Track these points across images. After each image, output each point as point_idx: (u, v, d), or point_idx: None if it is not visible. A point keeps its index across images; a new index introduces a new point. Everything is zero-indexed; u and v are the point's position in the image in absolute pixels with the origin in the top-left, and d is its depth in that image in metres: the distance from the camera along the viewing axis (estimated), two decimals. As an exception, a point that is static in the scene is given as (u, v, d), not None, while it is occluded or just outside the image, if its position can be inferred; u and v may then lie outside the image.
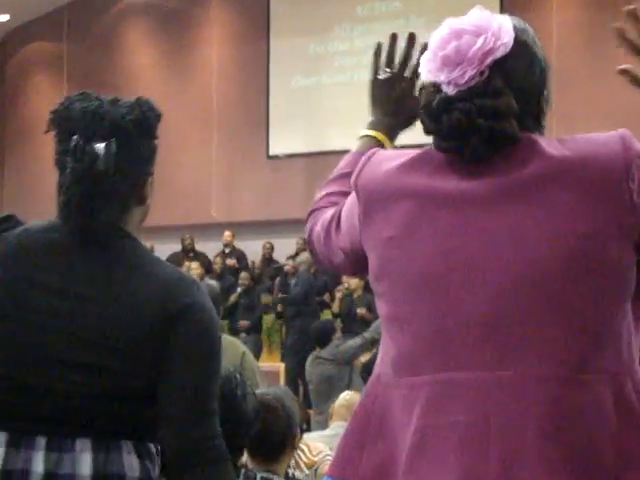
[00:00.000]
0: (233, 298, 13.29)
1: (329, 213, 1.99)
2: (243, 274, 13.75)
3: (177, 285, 2.03)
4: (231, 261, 14.45)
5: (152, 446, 2.06)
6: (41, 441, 1.96)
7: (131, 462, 1.99)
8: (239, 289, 13.53)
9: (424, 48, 1.89)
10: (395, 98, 2.13)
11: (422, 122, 1.79)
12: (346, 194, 1.97)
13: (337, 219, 1.95)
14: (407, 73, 2.14)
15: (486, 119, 1.70)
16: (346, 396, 5.61)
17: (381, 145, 2.08)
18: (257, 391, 3.34)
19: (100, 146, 2.00)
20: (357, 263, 1.91)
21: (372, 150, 1.90)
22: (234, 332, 12.71)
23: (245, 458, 3.22)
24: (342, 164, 2.09)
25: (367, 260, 1.84)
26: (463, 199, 1.73)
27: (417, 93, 2.08)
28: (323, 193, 2.07)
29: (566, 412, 1.65)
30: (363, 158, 1.89)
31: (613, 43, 1.74)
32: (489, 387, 1.68)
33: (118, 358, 1.97)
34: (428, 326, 1.73)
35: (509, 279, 1.68)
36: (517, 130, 1.72)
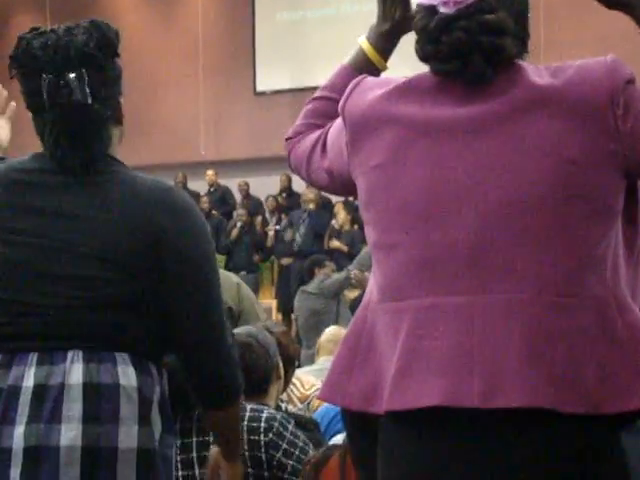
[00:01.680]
0: (235, 234, 13.21)
1: (314, 135, 1.99)
2: (240, 210, 13.65)
3: (162, 198, 2.07)
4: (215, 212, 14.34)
5: (152, 366, 2.08)
6: (33, 357, 1.99)
7: (127, 372, 2.01)
8: (238, 224, 13.45)
9: None
10: None
11: (417, 49, 1.78)
12: (319, 127, 1.97)
13: (323, 142, 1.96)
14: None
15: (488, 35, 1.70)
16: (332, 330, 5.61)
17: (371, 62, 2.02)
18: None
19: (73, 77, 2.00)
20: (343, 186, 1.93)
21: (360, 77, 1.90)
22: (232, 270, 12.74)
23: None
24: (331, 77, 2.05)
25: (354, 185, 1.86)
26: (452, 126, 1.74)
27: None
28: (300, 122, 2.06)
29: (549, 335, 1.68)
30: (350, 84, 1.88)
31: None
32: (473, 311, 1.70)
33: (106, 267, 2.01)
34: (414, 252, 1.75)
35: (494, 205, 1.70)
36: (514, 48, 1.73)
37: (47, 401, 1.97)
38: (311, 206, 12.81)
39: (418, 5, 1.79)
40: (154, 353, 2.08)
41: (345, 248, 11.60)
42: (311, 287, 8.30)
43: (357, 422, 1.85)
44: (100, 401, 1.98)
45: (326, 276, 8.40)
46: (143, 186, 2.07)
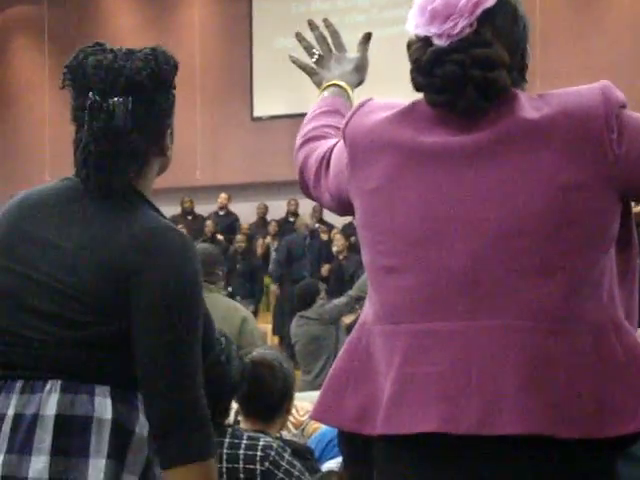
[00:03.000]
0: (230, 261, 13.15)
1: (322, 149, 2.00)
2: (238, 236, 13.52)
3: (145, 237, 1.97)
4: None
5: (133, 395, 1.99)
6: (18, 385, 1.97)
7: (103, 403, 1.94)
8: (237, 249, 13.32)
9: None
10: (339, 67, 2.25)
11: (412, 79, 1.79)
12: (338, 129, 1.97)
13: (327, 161, 1.97)
14: (329, 47, 2.33)
15: (481, 69, 1.71)
16: None
17: (345, 92, 2.15)
18: (257, 350, 3.37)
19: (117, 102, 1.97)
20: (343, 207, 1.94)
21: (363, 99, 1.91)
22: (229, 296, 12.70)
23: (233, 417, 3.24)
24: (319, 104, 2.13)
25: (352, 205, 1.87)
26: (447, 153, 1.74)
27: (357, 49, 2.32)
28: (316, 124, 2.08)
29: (545, 361, 1.67)
30: (354, 106, 1.90)
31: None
32: (469, 337, 1.70)
33: (84, 308, 1.95)
34: (409, 276, 1.75)
35: (490, 232, 1.70)
36: (508, 80, 1.73)
37: (20, 431, 1.93)
38: (323, 236, 12.87)
39: (413, 36, 1.80)
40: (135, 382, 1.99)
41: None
42: (310, 312, 8.24)
43: (354, 446, 1.84)
44: (71, 434, 1.92)
45: (325, 301, 8.36)
46: (135, 224, 1.98)
